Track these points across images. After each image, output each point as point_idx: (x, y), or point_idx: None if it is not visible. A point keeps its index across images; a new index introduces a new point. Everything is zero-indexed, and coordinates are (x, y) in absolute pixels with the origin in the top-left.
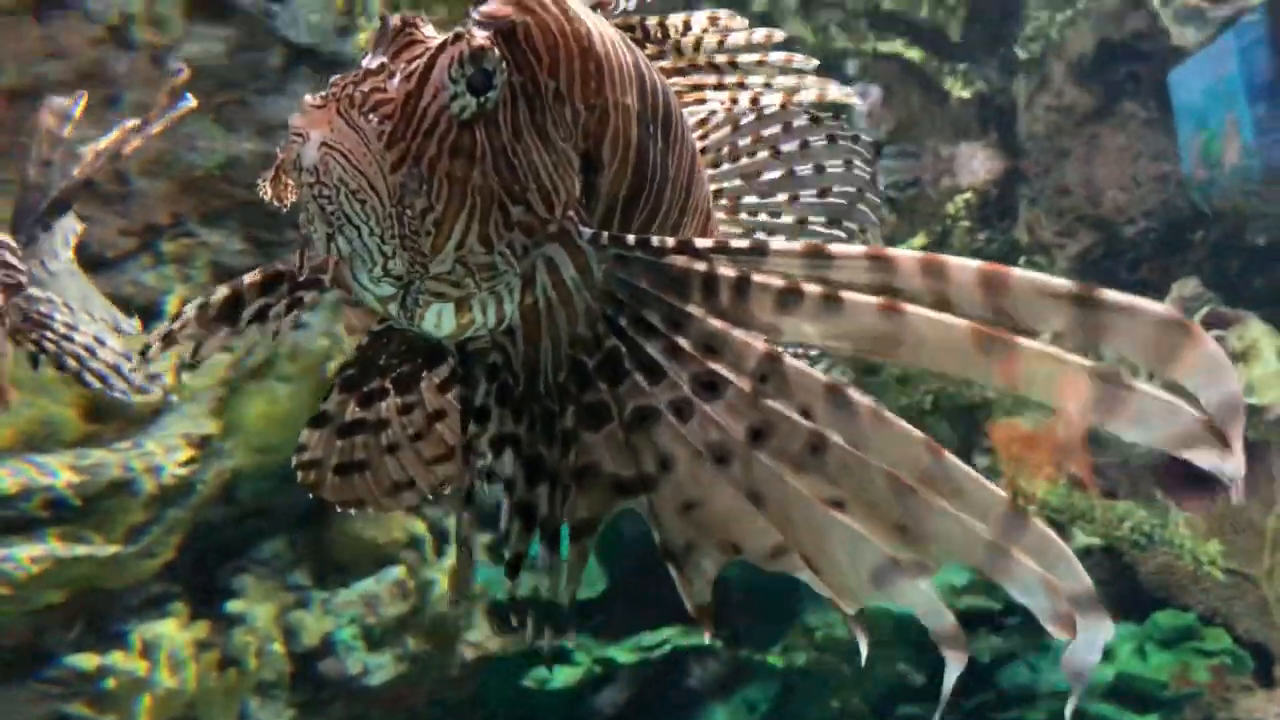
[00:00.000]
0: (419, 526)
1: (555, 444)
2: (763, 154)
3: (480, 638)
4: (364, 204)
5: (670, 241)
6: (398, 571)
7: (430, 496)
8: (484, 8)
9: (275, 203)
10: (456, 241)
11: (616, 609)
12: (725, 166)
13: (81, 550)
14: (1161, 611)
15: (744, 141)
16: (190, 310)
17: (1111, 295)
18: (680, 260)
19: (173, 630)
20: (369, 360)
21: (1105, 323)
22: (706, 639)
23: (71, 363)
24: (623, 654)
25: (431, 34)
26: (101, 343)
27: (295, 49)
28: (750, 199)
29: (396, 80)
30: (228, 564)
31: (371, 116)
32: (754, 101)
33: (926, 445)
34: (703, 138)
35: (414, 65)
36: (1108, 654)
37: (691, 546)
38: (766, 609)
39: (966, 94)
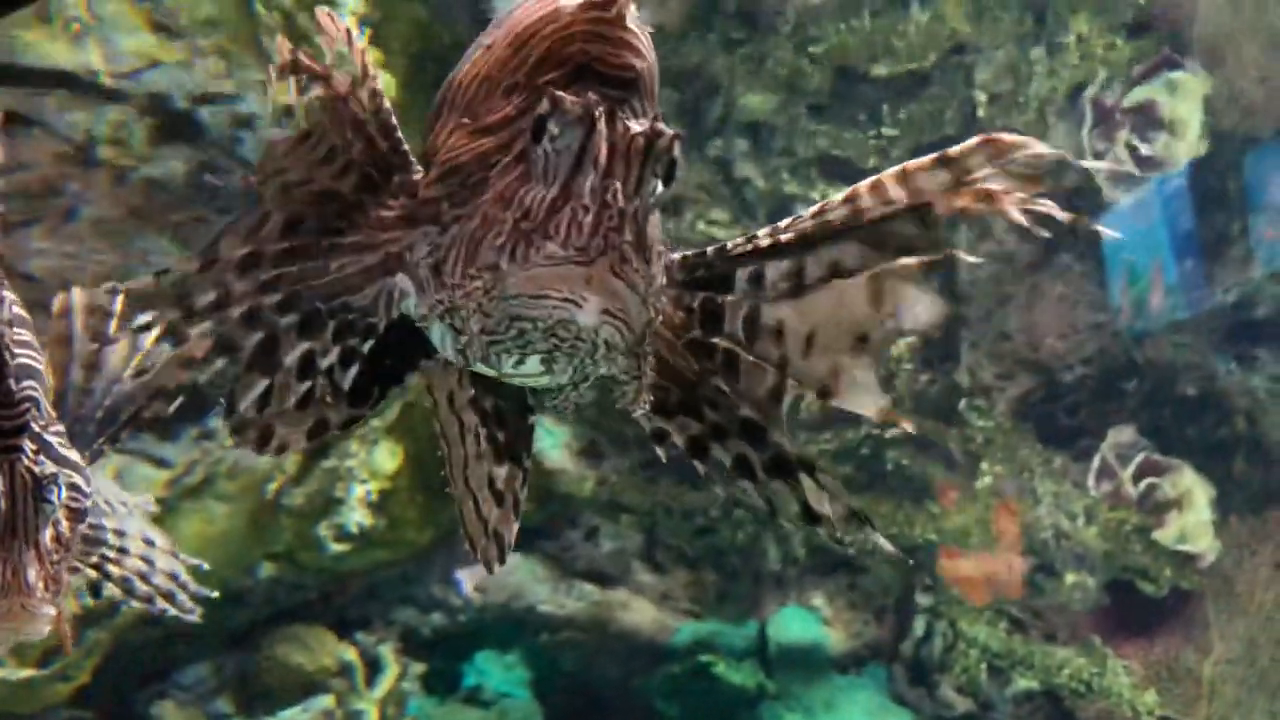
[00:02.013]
0: (349, 653)
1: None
2: None
3: None
4: (627, 352)
5: (736, 239)
6: (326, 700)
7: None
8: (612, 57)
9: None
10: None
11: None
12: None
13: None
14: None
15: None
16: (211, 353)
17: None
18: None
19: None
20: None
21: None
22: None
23: (140, 585)
24: None
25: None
26: (150, 543)
27: None
28: None
29: (621, 198)
30: (147, 689)
31: (630, 269)
32: None
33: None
34: None
35: (630, 176)
36: None
37: (840, 368)
38: None
39: None
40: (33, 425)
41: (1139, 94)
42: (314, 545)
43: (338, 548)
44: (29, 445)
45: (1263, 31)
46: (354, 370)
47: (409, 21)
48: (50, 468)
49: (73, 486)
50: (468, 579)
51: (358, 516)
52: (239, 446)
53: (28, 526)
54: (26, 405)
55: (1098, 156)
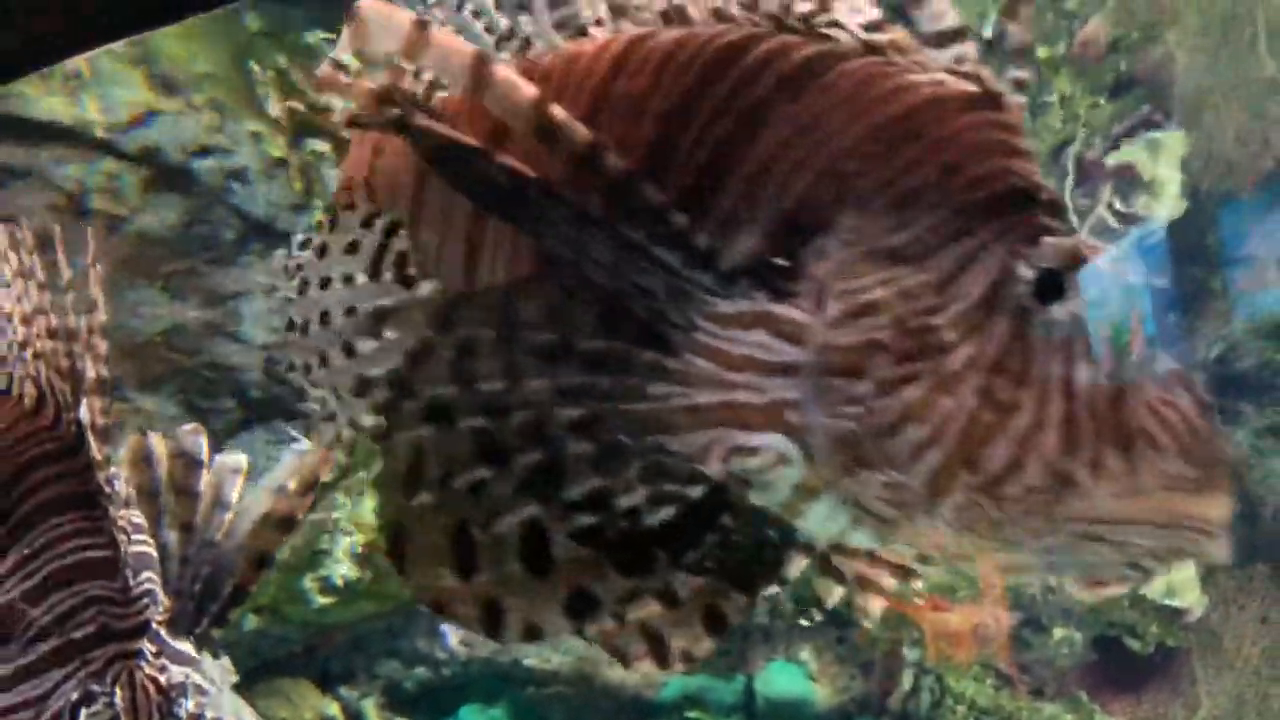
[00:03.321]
0: (333, 708)
1: None
2: None
3: None
4: None
5: None
6: None
7: None
8: (1029, 173)
9: None
10: None
11: None
12: None
13: None
14: None
15: None
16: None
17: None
18: None
19: None
20: None
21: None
22: None
23: None
24: None
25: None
26: None
27: (250, 222)
28: None
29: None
30: None
31: (1230, 473)
32: None
33: None
34: None
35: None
36: None
37: None
38: None
39: None
40: (153, 624)
41: (1120, 154)
42: (299, 598)
43: (322, 600)
44: (149, 647)
45: (1241, 91)
46: (666, 511)
47: None
48: (176, 674)
49: (196, 689)
50: (453, 632)
51: (343, 569)
52: (458, 627)
53: None
54: (146, 602)
55: (1081, 214)
